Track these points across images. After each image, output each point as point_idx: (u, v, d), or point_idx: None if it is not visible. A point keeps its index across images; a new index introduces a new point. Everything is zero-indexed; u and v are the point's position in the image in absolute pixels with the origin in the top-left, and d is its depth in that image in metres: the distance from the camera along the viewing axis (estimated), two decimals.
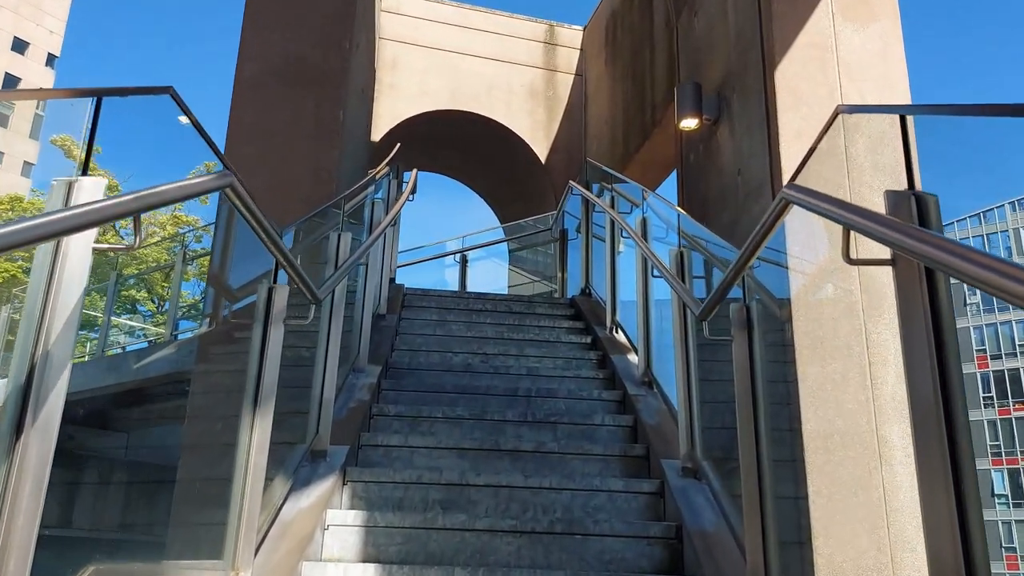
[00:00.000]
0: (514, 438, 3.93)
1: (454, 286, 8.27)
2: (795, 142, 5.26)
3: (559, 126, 11.22)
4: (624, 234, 4.76)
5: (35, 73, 43.46)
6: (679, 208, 4.19)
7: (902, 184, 1.79)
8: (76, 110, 1.70)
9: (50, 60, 44.26)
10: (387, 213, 5.34)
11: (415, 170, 6.72)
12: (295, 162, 4.91)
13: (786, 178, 5.41)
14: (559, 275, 7.42)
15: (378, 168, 5.02)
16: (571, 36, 11.78)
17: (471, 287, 8.88)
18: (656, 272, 3.74)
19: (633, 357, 4.96)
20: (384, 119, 10.68)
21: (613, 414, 4.29)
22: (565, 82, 11.50)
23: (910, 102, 5.58)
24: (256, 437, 2.60)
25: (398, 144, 6.76)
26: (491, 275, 9.39)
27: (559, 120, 11.26)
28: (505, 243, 9.02)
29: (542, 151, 11.01)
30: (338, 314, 3.67)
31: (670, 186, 12.22)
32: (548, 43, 11.67)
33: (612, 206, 5.61)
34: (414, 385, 4.47)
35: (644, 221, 4.80)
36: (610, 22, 10.70)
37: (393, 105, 10.79)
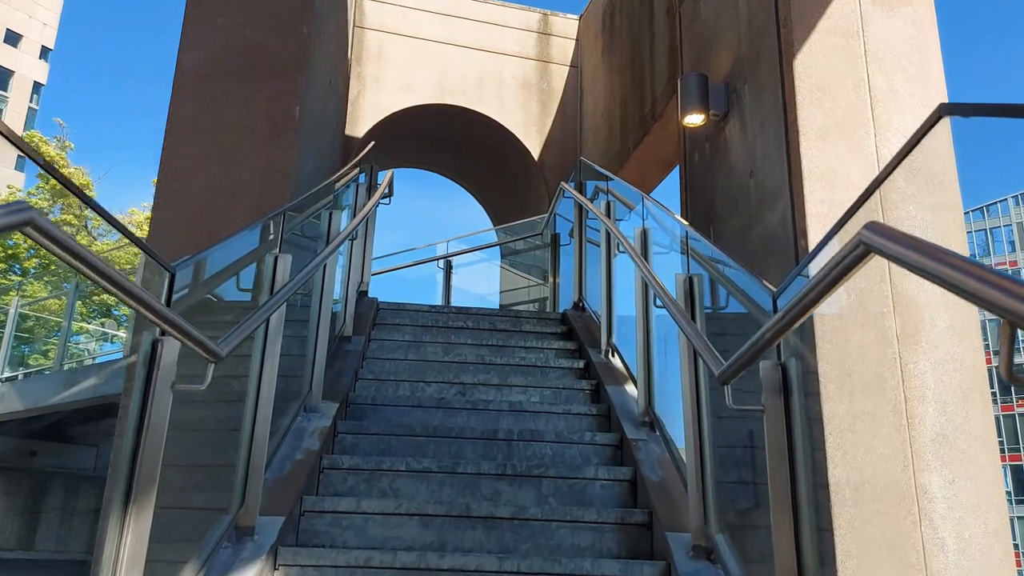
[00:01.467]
0: (490, 500, 3.24)
1: (440, 292, 7.58)
2: (819, 142, 4.56)
3: (553, 120, 10.51)
4: (622, 247, 4.06)
5: (28, 66, 42.62)
6: (685, 222, 3.48)
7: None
8: None
9: (44, 53, 43.41)
10: (353, 219, 4.64)
11: (391, 171, 6.01)
12: (243, 164, 4.21)
13: (809, 183, 4.71)
14: (550, 283, 6.72)
15: (339, 174, 4.31)
16: (566, 25, 11.05)
17: (459, 293, 8.19)
18: (659, 302, 3.04)
19: (631, 388, 4.27)
20: (368, 113, 9.96)
21: (608, 465, 3.60)
22: (560, 74, 10.78)
23: (946, 98, 4.88)
24: (128, 546, 1.91)
25: (371, 143, 6.05)
26: (482, 279, 8.70)
27: (553, 114, 10.54)
28: (497, 245, 8.30)
29: (535, 146, 10.30)
30: (273, 351, 2.97)
31: (671, 186, 11.52)
32: (541, 32, 10.94)
33: (608, 214, 4.91)
34: (377, 426, 3.78)
35: (644, 234, 4.10)
36: (607, 9, 9.98)
37: (378, 99, 10.07)
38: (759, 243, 4.95)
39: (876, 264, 4.28)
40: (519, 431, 3.79)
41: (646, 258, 3.93)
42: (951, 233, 4.26)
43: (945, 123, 1.99)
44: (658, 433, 3.71)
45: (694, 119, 5.69)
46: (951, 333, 4.28)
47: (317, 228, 4.14)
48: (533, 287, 8.48)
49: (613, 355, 4.79)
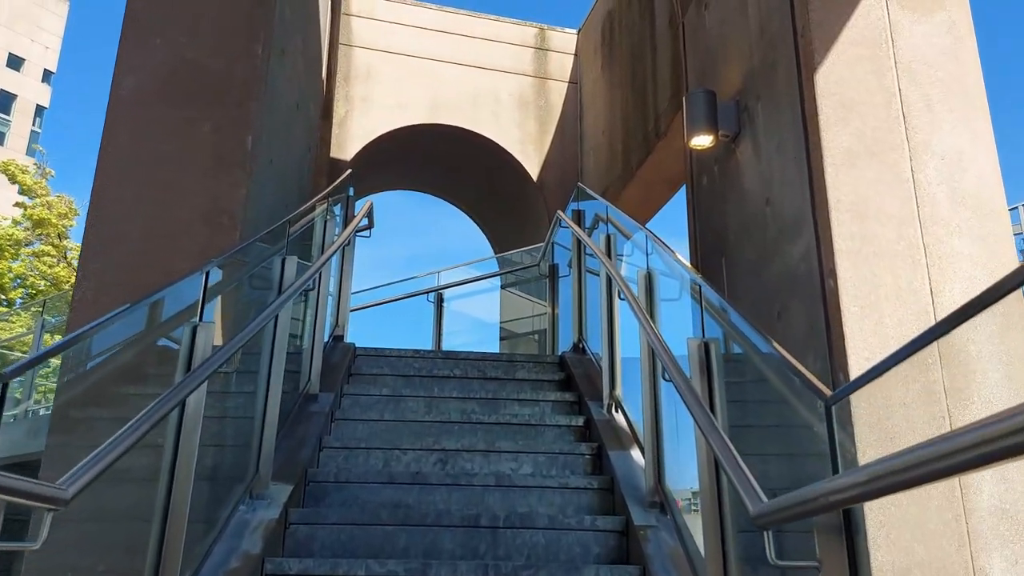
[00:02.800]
0: None
1: (431, 328, 6.97)
2: (847, 167, 3.96)
3: (552, 139, 9.93)
4: (624, 295, 3.46)
5: (31, 90, 42.45)
6: (696, 273, 2.88)
7: None
8: None
9: (46, 76, 43.26)
10: (321, 255, 4.07)
11: (369, 201, 5.43)
12: (185, 205, 3.63)
13: (836, 214, 4.10)
14: (549, 319, 6.12)
15: (295, 213, 3.71)
16: (564, 40, 10.50)
17: (454, 325, 7.58)
18: (667, 375, 2.43)
19: (638, 456, 3.66)
20: (357, 135, 9.41)
21: (612, 564, 2.99)
22: (558, 90, 10.22)
23: (987, 112, 4.28)
24: None
25: (348, 171, 5.48)
26: (479, 310, 8.10)
27: (552, 132, 9.97)
28: (487, 277, 7.71)
29: (533, 167, 9.73)
30: (188, 447, 2.38)
31: (678, 207, 10.97)
32: (539, 48, 10.39)
33: (608, 251, 4.32)
34: (338, 513, 3.18)
35: (649, 278, 3.50)
36: (606, 23, 9.43)
37: (367, 119, 9.52)
38: (778, 280, 4.35)
39: (920, 305, 3.64)
40: (507, 514, 3.18)
41: (651, 312, 3.33)
42: None
43: None
44: (670, 517, 3.10)
45: (702, 140, 5.10)
46: (1008, 386, 3.68)
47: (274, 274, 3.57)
48: (537, 316, 7.87)
49: (616, 410, 4.18)
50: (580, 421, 4.20)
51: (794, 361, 2.10)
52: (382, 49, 9.83)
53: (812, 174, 4.09)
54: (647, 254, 3.60)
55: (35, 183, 16.80)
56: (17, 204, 17.05)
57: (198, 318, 2.48)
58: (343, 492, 3.44)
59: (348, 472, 3.53)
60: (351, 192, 5.51)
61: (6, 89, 41.76)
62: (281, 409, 3.81)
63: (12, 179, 17.22)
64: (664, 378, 2.46)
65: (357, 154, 9.38)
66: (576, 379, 4.75)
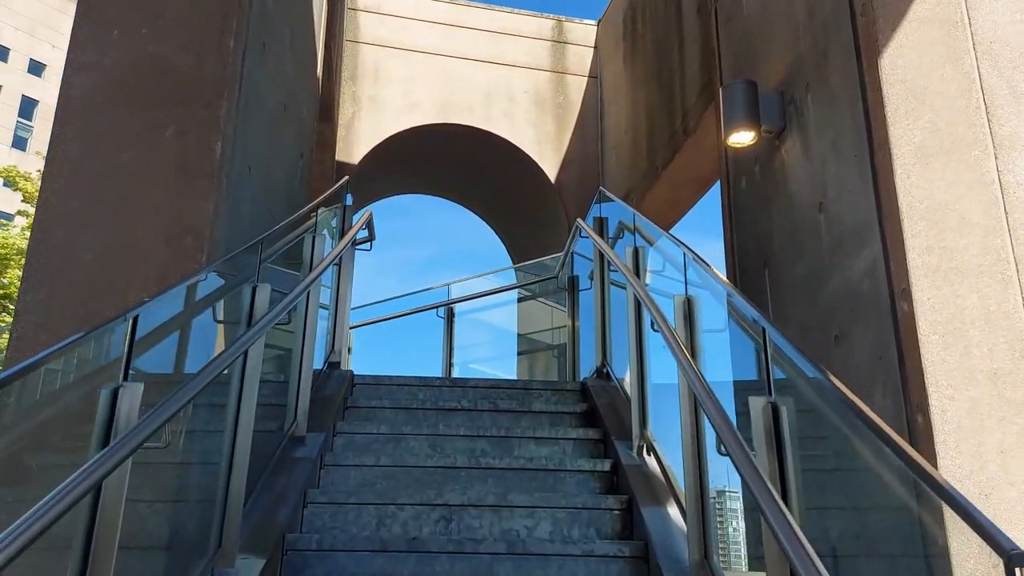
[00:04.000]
0: None
1: (441, 346, 6.42)
2: (919, 167, 3.35)
3: (571, 138, 9.36)
4: (657, 327, 2.87)
5: (52, 95, 42.50)
6: (754, 306, 2.30)
7: None
8: None
9: None
10: (308, 275, 3.54)
11: (368, 211, 4.89)
12: (143, 223, 3.10)
13: (909, 223, 3.44)
14: (568, 339, 5.53)
15: (261, 237, 3.15)
16: (583, 32, 9.91)
17: (467, 339, 7.03)
18: (723, 448, 1.86)
19: (676, 514, 3.08)
20: (365, 137, 8.90)
21: None
22: (577, 86, 9.64)
23: None
24: None
25: (344, 179, 4.94)
26: (495, 324, 7.55)
27: (571, 131, 9.39)
28: (497, 291, 7.13)
29: (551, 168, 9.16)
30: (109, 522, 1.85)
31: (709, 209, 10.33)
32: (556, 41, 9.81)
33: (636, 268, 3.75)
34: None
35: (689, 306, 2.92)
36: (628, 12, 8.83)
37: (375, 120, 9.00)
38: (835, 299, 3.76)
39: (1014, 330, 3.03)
40: None
41: (692, 349, 2.75)
42: None
43: None
44: None
45: (742, 138, 4.51)
46: None
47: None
48: (557, 329, 7.30)
49: (648, 453, 3.61)
50: (606, 466, 3.63)
51: (929, 469, 1.51)
52: (390, 45, 9.31)
53: (877, 176, 3.49)
54: (686, 276, 3.02)
55: (35, 189, 16.45)
56: (20, 212, 16.70)
57: (121, 377, 1.95)
58: (327, 563, 2.90)
59: (334, 537, 2.99)
60: (349, 201, 4.97)
61: (28, 95, 41.90)
62: (260, 454, 3.28)
63: (14, 186, 16.87)
64: (720, 451, 1.90)
65: (365, 157, 8.87)
66: (600, 411, 4.18)
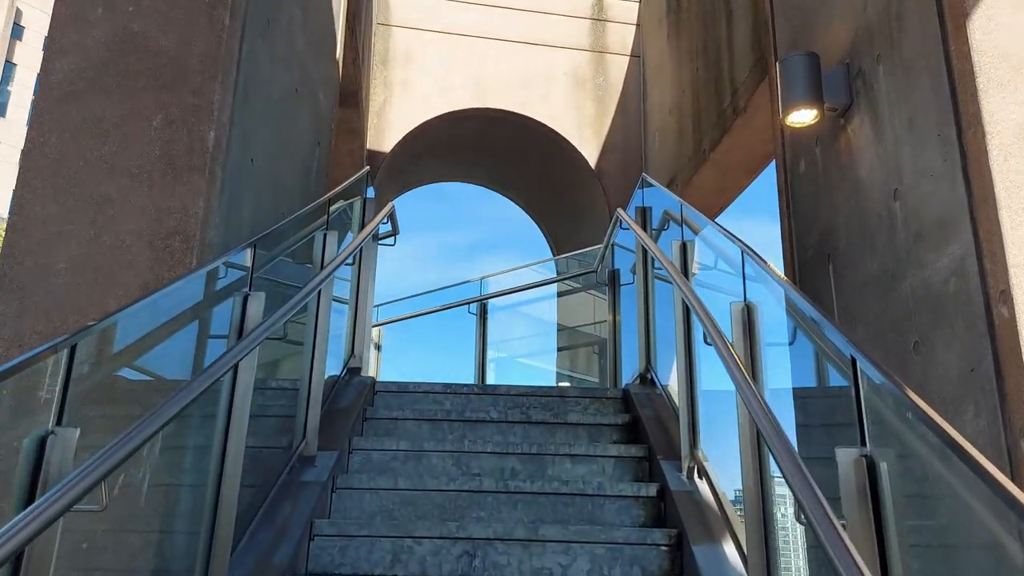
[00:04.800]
0: None
1: (474, 343, 6.02)
2: (1021, 147, 2.85)
3: (612, 121, 8.87)
4: (711, 339, 2.43)
5: None
6: (837, 328, 1.84)
7: None
8: None
9: None
10: (314, 278, 3.18)
11: (390, 203, 4.51)
12: (125, 225, 2.76)
13: (1008, 214, 2.79)
14: (609, 339, 5.09)
15: (276, 229, 2.79)
16: (625, 8, 9.39)
17: (501, 335, 6.63)
18: (804, 516, 1.43)
19: (734, 555, 2.65)
20: (396, 124, 8.54)
21: None
22: (618, 66, 9.14)
23: None
24: None
25: (364, 169, 4.56)
26: (533, 319, 7.13)
27: (612, 114, 8.90)
28: (547, 279, 6.70)
29: (591, 153, 8.69)
30: None
31: (762, 194, 9.78)
32: (596, 19, 9.31)
33: (684, 268, 3.30)
34: None
35: (748, 314, 2.48)
36: None
37: (407, 106, 8.63)
38: (914, 300, 3.27)
39: None
40: None
41: (753, 365, 2.31)
42: None
43: None
44: None
45: (802, 116, 4.01)
46: None
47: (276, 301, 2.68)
48: (600, 323, 6.86)
49: (700, 476, 3.18)
50: (652, 491, 3.20)
51: None
52: (422, 28, 8.91)
53: (967, 158, 2.98)
54: (744, 278, 2.57)
55: None
56: None
57: (52, 422, 1.59)
58: None
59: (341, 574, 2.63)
60: (371, 194, 4.59)
61: None
62: (262, 479, 2.94)
63: None
64: (800, 520, 1.47)
65: (397, 145, 8.52)
66: (644, 424, 3.75)
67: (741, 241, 2.61)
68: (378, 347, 6.56)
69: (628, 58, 9.17)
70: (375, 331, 6.55)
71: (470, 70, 8.81)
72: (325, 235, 3.44)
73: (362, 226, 4.32)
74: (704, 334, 2.45)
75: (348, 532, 2.89)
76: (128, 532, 2.04)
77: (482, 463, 3.50)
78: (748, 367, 2.33)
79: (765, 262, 2.41)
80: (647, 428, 3.68)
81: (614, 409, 4.13)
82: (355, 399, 3.90)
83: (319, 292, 3.36)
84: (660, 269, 3.90)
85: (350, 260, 3.72)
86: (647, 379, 4.23)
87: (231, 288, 2.59)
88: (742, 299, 2.54)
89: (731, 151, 6.97)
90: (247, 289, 2.55)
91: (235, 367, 2.42)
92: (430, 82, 8.72)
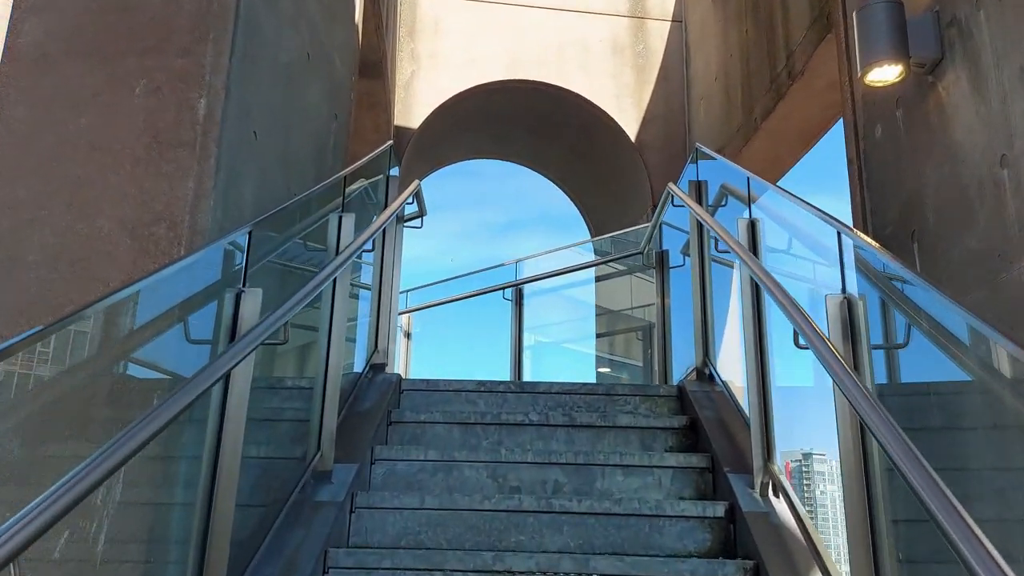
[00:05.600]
0: None
1: (510, 333, 5.59)
2: None
3: (653, 91, 8.32)
4: (805, 337, 1.95)
5: None
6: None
7: None
8: None
9: None
10: (333, 260, 2.77)
11: (416, 181, 4.08)
12: (104, 210, 2.36)
13: None
14: (658, 328, 4.61)
15: (281, 210, 2.38)
16: None
17: (538, 320, 6.18)
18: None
19: None
20: (425, 98, 8.09)
21: None
22: (659, 32, 8.57)
23: None
24: None
25: (387, 144, 4.12)
26: (571, 305, 6.69)
27: (653, 83, 8.35)
28: (586, 262, 6.23)
29: (631, 124, 8.17)
30: None
31: (818, 165, 9.17)
32: None
33: (754, 246, 2.82)
34: None
35: (848, 310, 2.00)
36: None
37: (436, 79, 8.17)
38: None
39: None
40: None
41: (857, 370, 1.84)
42: None
43: None
44: None
45: (884, 74, 3.47)
46: None
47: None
48: (643, 308, 6.40)
49: (776, 493, 2.72)
50: (719, 510, 2.75)
51: None
52: None
53: None
54: (843, 265, 2.09)
55: None
56: None
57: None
58: None
59: None
60: (394, 172, 4.16)
61: None
62: (270, 499, 2.55)
63: None
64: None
65: (426, 120, 8.07)
66: (704, 426, 3.29)
67: (838, 221, 2.13)
68: (408, 335, 6.17)
69: (669, 23, 8.60)
70: (404, 318, 6.16)
71: (502, 40, 8.31)
72: (341, 217, 3.02)
73: (385, 207, 3.89)
74: (795, 333, 1.98)
75: (367, 564, 2.49)
76: None
77: (521, 475, 3.07)
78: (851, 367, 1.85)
79: (854, 235, 1.93)
80: (708, 433, 3.22)
81: (668, 409, 3.67)
82: (378, 400, 3.49)
83: (334, 282, 2.95)
84: (723, 252, 3.41)
85: (369, 245, 3.30)
86: (704, 374, 3.76)
87: (224, 283, 2.17)
88: (839, 291, 2.06)
89: (786, 119, 6.42)
90: (241, 285, 2.13)
91: (226, 376, 2.02)
92: (460, 53, 8.25)
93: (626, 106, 8.23)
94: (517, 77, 8.24)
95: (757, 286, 2.93)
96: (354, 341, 3.96)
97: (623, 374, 7.43)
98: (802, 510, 2.58)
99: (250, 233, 2.19)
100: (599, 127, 8.34)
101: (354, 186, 3.66)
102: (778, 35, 6.35)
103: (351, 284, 4.29)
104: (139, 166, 2.38)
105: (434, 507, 2.79)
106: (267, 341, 2.08)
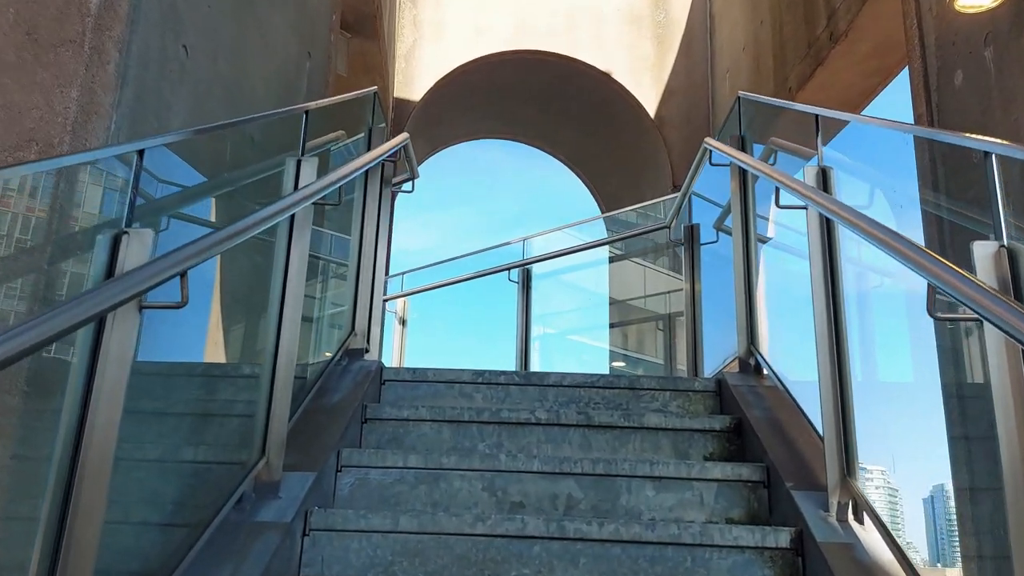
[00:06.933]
0: None
1: (516, 322, 4.91)
2: None
3: (675, 63, 7.64)
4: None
5: None
6: None
7: None
8: None
9: None
10: (280, 201, 2.13)
11: (403, 134, 3.41)
12: None
13: None
14: (687, 305, 3.93)
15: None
16: None
17: (547, 307, 5.51)
18: None
19: None
20: (427, 69, 7.44)
21: None
22: (681, 1, 7.88)
23: None
24: None
25: (370, 89, 3.44)
26: (583, 287, 6.03)
27: (674, 54, 7.67)
28: (603, 239, 5.54)
29: (650, 99, 7.49)
30: None
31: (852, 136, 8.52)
32: None
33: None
34: None
35: (1006, 257, 1.33)
36: None
37: (439, 49, 7.52)
38: None
39: None
40: None
41: None
42: None
43: None
44: None
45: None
46: None
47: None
48: (664, 295, 5.75)
49: (860, 518, 2.05)
50: (783, 539, 2.08)
51: None
52: None
53: None
54: (996, 200, 1.42)
55: None
56: None
57: None
58: None
59: None
60: (381, 124, 3.49)
61: None
62: (195, 520, 1.90)
63: None
64: None
65: (428, 93, 7.42)
66: (753, 429, 2.62)
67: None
68: (403, 321, 5.52)
69: None
70: (398, 303, 5.51)
71: (510, 7, 7.65)
72: (300, 162, 2.35)
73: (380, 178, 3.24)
74: (930, 296, 1.30)
75: None
76: None
77: (525, 487, 2.41)
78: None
79: None
80: (760, 437, 2.55)
81: (705, 407, 3.00)
82: (351, 393, 2.83)
83: (289, 239, 2.30)
84: (765, 193, 2.73)
85: (340, 198, 2.63)
86: (749, 365, 3.08)
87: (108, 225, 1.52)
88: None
89: (825, 87, 5.75)
90: (124, 224, 1.48)
91: (95, 342, 1.38)
92: (465, 21, 7.59)
93: (644, 79, 7.55)
94: (526, 48, 7.58)
95: (830, 254, 2.27)
96: (325, 322, 3.32)
97: (639, 369, 6.75)
98: (903, 542, 1.91)
99: (140, 153, 1.53)
100: (615, 102, 7.67)
101: (327, 138, 3.01)
102: None
103: (330, 260, 3.64)
104: (6, 73, 1.73)
105: (413, 530, 2.13)
106: (158, 303, 1.43)
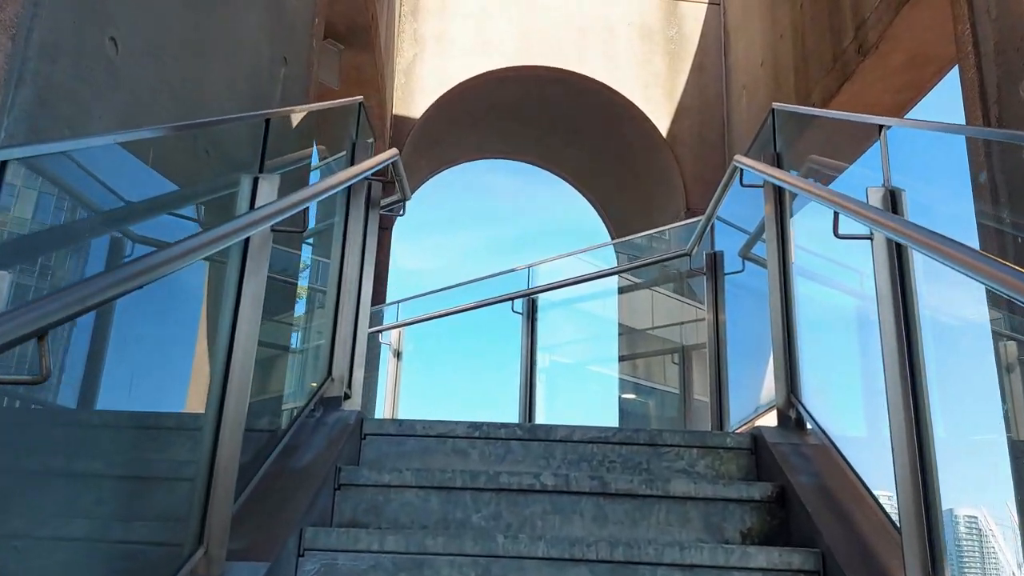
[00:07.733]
0: None
1: (521, 353, 4.47)
2: None
3: (687, 80, 7.25)
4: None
5: None
6: None
7: None
8: None
9: None
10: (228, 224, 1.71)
11: (391, 150, 3.00)
12: None
13: None
14: (710, 350, 3.48)
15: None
16: None
17: (552, 338, 5.06)
18: None
19: None
20: (428, 85, 7.07)
21: None
22: (694, 15, 7.51)
23: None
24: None
25: (356, 99, 3.02)
26: (593, 319, 5.60)
27: (687, 71, 7.28)
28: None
29: (662, 118, 7.09)
30: None
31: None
32: None
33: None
34: None
35: None
36: None
37: (440, 65, 7.15)
38: None
39: None
40: None
41: None
42: None
43: None
44: None
45: None
46: None
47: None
48: (678, 325, 5.34)
49: None
50: None
51: None
52: None
53: None
54: None
55: None
56: None
57: None
58: None
59: None
60: (368, 139, 3.08)
61: None
62: None
63: None
64: None
65: (429, 110, 7.04)
66: (800, 499, 2.17)
67: None
68: (397, 354, 5.08)
69: (706, 6, 7.54)
70: (393, 334, 5.08)
71: (515, 21, 7.29)
72: (257, 179, 1.94)
73: (350, 188, 2.82)
74: None
75: None
76: None
77: None
78: None
79: None
80: (811, 511, 2.10)
81: (738, 468, 2.55)
82: (323, 452, 2.39)
83: (242, 270, 1.88)
84: (802, 218, 2.30)
85: (305, 223, 2.21)
86: (790, 417, 2.63)
87: None
88: None
89: (852, 103, 5.34)
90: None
91: None
92: (468, 36, 7.22)
93: (656, 97, 7.16)
94: (532, 63, 7.20)
95: (903, 288, 1.84)
96: (299, 363, 2.89)
97: (651, 400, 6.30)
98: None
99: (3, 164, 1.11)
100: (625, 120, 7.28)
101: (298, 154, 2.61)
102: (844, 4, 5.29)
103: (314, 289, 3.22)
104: None
105: None
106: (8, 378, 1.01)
